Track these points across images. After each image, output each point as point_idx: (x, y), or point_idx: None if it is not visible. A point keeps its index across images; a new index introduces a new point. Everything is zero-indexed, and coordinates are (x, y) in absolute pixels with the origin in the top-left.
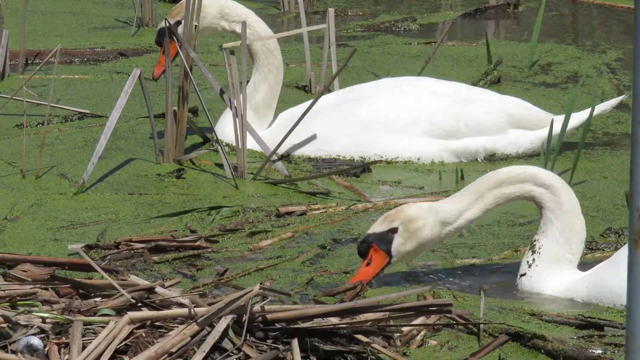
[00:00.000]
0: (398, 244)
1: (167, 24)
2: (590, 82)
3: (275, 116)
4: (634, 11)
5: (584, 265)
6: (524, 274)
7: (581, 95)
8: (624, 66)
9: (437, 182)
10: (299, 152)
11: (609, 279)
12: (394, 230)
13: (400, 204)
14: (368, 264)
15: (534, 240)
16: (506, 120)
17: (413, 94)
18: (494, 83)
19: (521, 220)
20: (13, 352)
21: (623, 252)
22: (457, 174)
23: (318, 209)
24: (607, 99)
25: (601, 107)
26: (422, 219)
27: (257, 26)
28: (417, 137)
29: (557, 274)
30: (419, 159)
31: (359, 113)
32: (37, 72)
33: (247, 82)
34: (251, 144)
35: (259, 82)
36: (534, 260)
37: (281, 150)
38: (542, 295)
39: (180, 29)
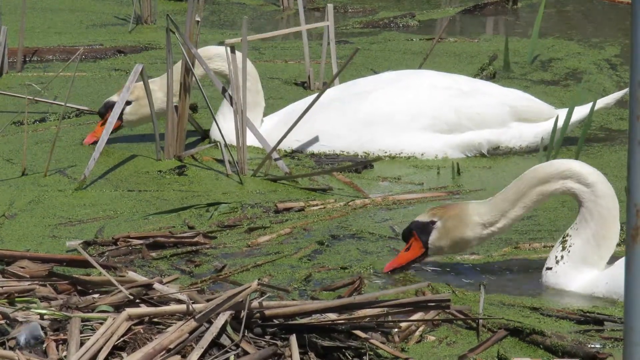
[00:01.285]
0: (434, 238)
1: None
2: (590, 79)
3: (274, 112)
4: (631, 7)
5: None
6: (550, 268)
7: (582, 91)
8: (624, 62)
9: (437, 178)
10: (301, 148)
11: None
12: (433, 223)
13: (399, 200)
14: (407, 250)
15: (566, 235)
16: (508, 112)
17: (415, 88)
18: (490, 78)
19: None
20: (11, 348)
21: None
22: (454, 169)
23: (316, 205)
24: (607, 94)
25: (605, 101)
26: (463, 219)
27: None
28: (420, 132)
29: (582, 273)
30: (422, 154)
31: (361, 108)
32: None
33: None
34: (252, 141)
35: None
36: (562, 257)
37: (283, 146)
38: (564, 292)
39: (129, 108)
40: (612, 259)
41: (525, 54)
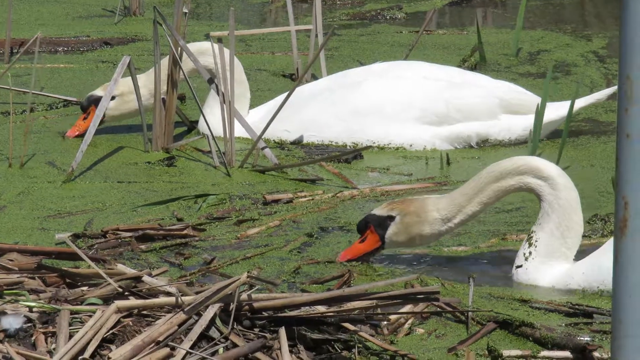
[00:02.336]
0: (391, 233)
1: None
2: (578, 71)
3: (262, 103)
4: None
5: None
6: (520, 266)
7: (570, 84)
8: (612, 54)
9: (425, 169)
10: (291, 139)
11: (607, 263)
12: (391, 218)
13: (387, 192)
14: (362, 242)
15: (531, 232)
16: (498, 104)
17: (405, 80)
18: (472, 69)
19: (508, 207)
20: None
21: None
22: (442, 160)
23: (305, 196)
24: (595, 88)
25: (596, 96)
26: (421, 215)
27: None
28: (409, 123)
29: (553, 267)
30: (411, 145)
31: (351, 99)
32: (22, 61)
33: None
34: (240, 132)
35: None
36: (530, 253)
37: (273, 137)
38: (537, 288)
39: (112, 103)
40: (584, 253)
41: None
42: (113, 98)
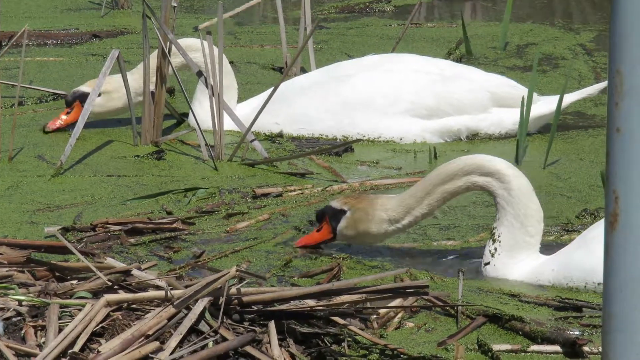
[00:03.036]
0: (342, 227)
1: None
2: (566, 64)
3: (251, 97)
4: None
5: (560, 246)
6: (488, 263)
7: (559, 77)
8: (601, 47)
9: (414, 163)
10: (281, 132)
11: (579, 259)
12: (343, 212)
13: (376, 185)
14: (318, 231)
15: (493, 229)
16: (489, 98)
17: (395, 73)
18: (458, 62)
19: None
20: None
21: (589, 233)
22: (431, 153)
23: (294, 190)
24: (584, 81)
25: (588, 91)
26: (369, 213)
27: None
28: (399, 116)
29: (520, 259)
30: (401, 138)
31: (341, 92)
32: (11, 54)
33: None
34: (230, 125)
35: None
36: (495, 249)
37: (263, 130)
38: (509, 282)
39: (99, 100)
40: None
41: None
42: (99, 95)
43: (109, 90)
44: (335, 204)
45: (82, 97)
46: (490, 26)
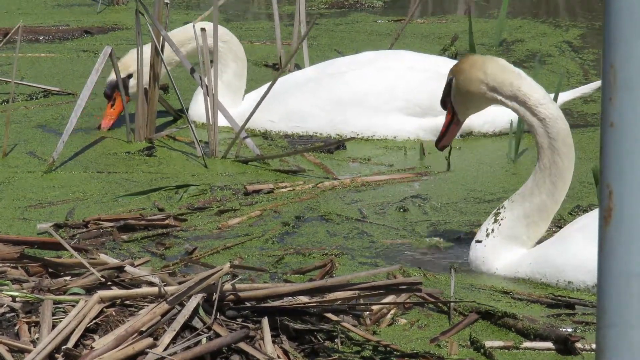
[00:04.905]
0: (452, 96)
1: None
2: (553, 61)
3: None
4: None
5: None
6: (480, 241)
7: (548, 75)
8: (588, 44)
9: (404, 160)
10: (275, 129)
11: (553, 255)
12: (450, 81)
13: (367, 182)
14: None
15: (500, 208)
16: None
17: (389, 70)
18: (453, 59)
19: (489, 197)
20: None
21: (567, 230)
22: (420, 150)
23: (285, 187)
24: (572, 78)
25: (582, 90)
26: (468, 72)
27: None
28: (393, 114)
29: (509, 251)
30: (395, 137)
31: (335, 89)
32: (4, 50)
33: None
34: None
35: (224, 66)
36: (493, 230)
37: (257, 127)
38: (489, 269)
39: (132, 81)
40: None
41: (493, 34)
42: (130, 76)
43: (135, 70)
44: (447, 78)
45: (118, 85)
46: (480, 22)
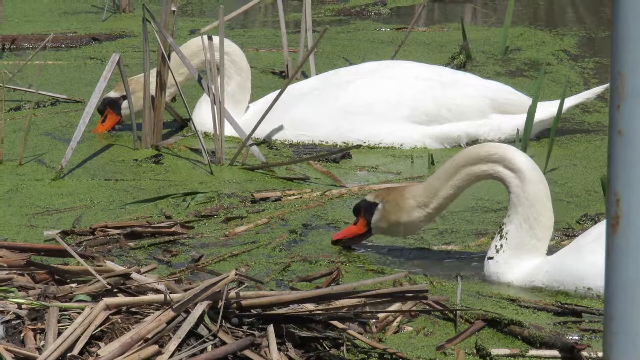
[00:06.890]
0: (375, 219)
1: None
2: (554, 70)
3: (253, 101)
4: None
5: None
6: (492, 258)
7: (549, 84)
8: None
9: (411, 168)
10: (281, 138)
11: (569, 263)
12: (375, 205)
13: (374, 190)
14: (355, 225)
15: (502, 224)
16: (489, 104)
17: (395, 79)
18: (460, 67)
19: (496, 206)
20: None
21: (583, 239)
22: (429, 159)
23: (293, 194)
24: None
25: (585, 95)
26: (399, 203)
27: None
28: (399, 122)
29: (523, 260)
30: (401, 145)
31: (341, 98)
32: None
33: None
34: (231, 130)
35: (228, 78)
36: (501, 245)
37: (263, 136)
38: (507, 281)
39: (124, 104)
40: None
41: (495, 42)
42: (125, 98)
43: (135, 91)
44: (369, 197)
45: (111, 103)
46: (482, 30)
